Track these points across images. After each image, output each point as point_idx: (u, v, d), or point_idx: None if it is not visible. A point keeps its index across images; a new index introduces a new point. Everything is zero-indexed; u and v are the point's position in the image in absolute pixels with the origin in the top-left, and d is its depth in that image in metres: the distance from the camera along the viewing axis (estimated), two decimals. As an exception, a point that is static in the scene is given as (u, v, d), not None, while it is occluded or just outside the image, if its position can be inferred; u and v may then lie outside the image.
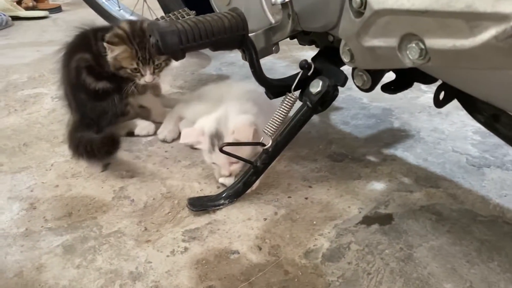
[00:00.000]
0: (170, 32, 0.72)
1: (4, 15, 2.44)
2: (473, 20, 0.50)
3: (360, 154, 1.13)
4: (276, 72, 1.70)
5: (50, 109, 1.43)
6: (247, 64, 0.87)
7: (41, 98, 1.51)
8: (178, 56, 0.75)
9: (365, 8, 0.64)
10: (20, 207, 0.97)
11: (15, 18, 2.55)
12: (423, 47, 0.58)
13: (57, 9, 2.79)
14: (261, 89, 1.17)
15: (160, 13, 1.72)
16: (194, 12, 1.03)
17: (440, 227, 0.87)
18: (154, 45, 0.74)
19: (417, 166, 1.08)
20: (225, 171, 0.98)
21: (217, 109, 1.04)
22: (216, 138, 0.96)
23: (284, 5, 0.75)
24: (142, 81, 1.18)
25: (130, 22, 1.19)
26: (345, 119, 1.32)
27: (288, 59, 1.86)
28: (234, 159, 0.95)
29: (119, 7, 1.99)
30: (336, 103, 1.34)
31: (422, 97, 1.44)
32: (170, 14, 1.02)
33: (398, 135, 1.22)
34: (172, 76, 1.69)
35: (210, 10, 1.09)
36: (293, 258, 0.81)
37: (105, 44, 1.12)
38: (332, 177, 1.05)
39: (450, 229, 0.87)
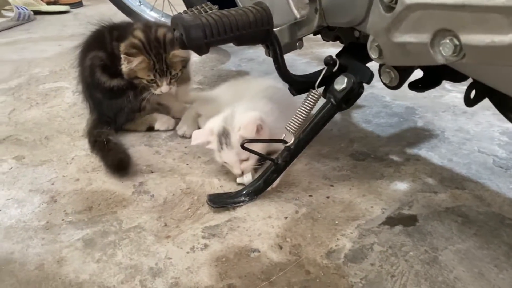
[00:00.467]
0: (195, 26, 0.71)
1: (27, 9, 2.47)
2: (515, 14, 0.48)
3: (382, 153, 1.11)
4: (296, 69, 1.68)
5: (71, 103, 1.43)
6: (266, 60, 0.86)
7: (62, 92, 1.52)
8: (202, 50, 0.74)
9: (396, 2, 0.62)
10: (41, 200, 0.97)
11: (37, 12, 2.58)
12: (457, 43, 0.56)
13: (78, 4, 2.81)
14: (280, 85, 1.16)
15: (180, 7, 1.72)
16: (216, 6, 1.02)
17: (467, 230, 0.85)
18: (178, 39, 0.73)
19: (441, 167, 1.05)
20: (237, 170, 0.97)
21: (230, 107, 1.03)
22: (223, 136, 0.95)
23: (311, 0, 0.74)
24: (157, 91, 1.16)
25: (144, 30, 1.16)
26: (367, 117, 1.30)
27: (308, 55, 1.84)
28: (244, 157, 0.94)
29: (140, 2, 1.99)
30: (358, 100, 1.31)
31: (447, 95, 1.41)
32: (192, 9, 1.01)
33: (422, 135, 1.20)
34: (192, 71, 1.68)
35: (233, 4, 1.07)
36: (315, 258, 0.80)
37: (122, 56, 1.10)
38: (354, 176, 1.03)
39: (477, 232, 0.84)
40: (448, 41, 0.57)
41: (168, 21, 1.95)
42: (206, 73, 1.68)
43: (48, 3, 2.69)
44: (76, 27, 2.33)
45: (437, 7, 0.56)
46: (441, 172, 1.03)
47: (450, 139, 1.16)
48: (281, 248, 0.82)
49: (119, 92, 1.18)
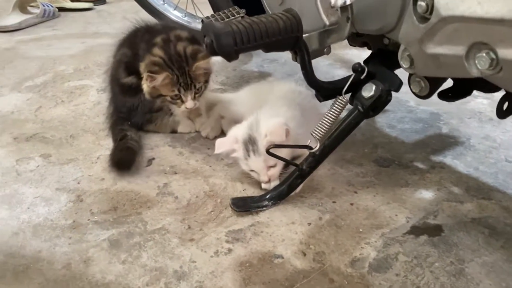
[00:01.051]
0: (226, 33, 0.71)
1: (52, 6, 2.50)
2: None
3: (407, 160, 1.10)
4: (318, 71, 1.66)
5: (96, 101, 1.45)
6: (288, 61, 0.86)
7: (86, 90, 1.54)
8: (232, 57, 0.74)
9: (431, 13, 0.61)
10: (68, 199, 0.99)
11: (61, 9, 2.61)
12: (494, 57, 0.55)
13: (102, 1, 2.83)
14: (302, 88, 1.16)
15: (203, 7, 1.73)
16: (244, 10, 1.02)
17: (494, 242, 0.84)
18: (208, 46, 0.74)
19: (467, 175, 1.03)
20: (264, 177, 0.97)
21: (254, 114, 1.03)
22: (250, 143, 0.95)
23: (343, 8, 0.73)
24: (182, 107, 1.14)
25: (163, 46, 1.13)
26: (391, 122, 1.29)
27: (331, 57, 1.83)
28: (272, 163, 0.94)
29: (163, 1, 1.99)
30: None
31: (472, 102, 1.39)
32: (220, 13, 1.02)
33: (447, 142, 1.18)
34: (214, 72, 1.68)
35: (259, 7, 1.07)
36: (339, 266, 0.79)
37: (144, 75, 1.08)
38: (379, 183, 1.02)
39: (504, 245, 0.83)
40: (484, 54, 0.56)
41: (191, 21, 1.96)
42: (229, 74, 1.68)
43: (72, 0, 2.72)
44: (99, 24, 2.36)
45: (474, 20, 0.55)
46: (467, 181, 1.01)
47: (476, 147, 1.15)
48: (304, 255, 0.82)
49: (132, 91, 1.18)
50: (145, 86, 1.10)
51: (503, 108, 0.78)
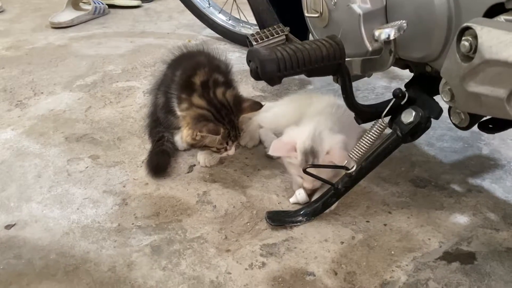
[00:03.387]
0: (270, 60, 0.74)
1: (102, 3, 2.60)
2: None
3: (444, 182, 1.10)
4: (359, 82, 1.67)
5: (142, 104, 1.51)
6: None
7: (133, 92, 1.61)
8: (275, 82, 0.77)
9: (474, 53, 0.62)
10: (114, 202, 1.05)
11: (111, 6, 2.71)
12: (535, 103, 0.55)
13: (149, -1, 2.91)
14: (342, 102, 1.17)
15: (247, 10, 1.75)
16: (288, 28, 1.05)
17: (528, 275, 0.83)
18: (252, 71, 0.77)
19: (505, 201, 1.03)
20: (309, 185, 1.00)
21: (304, 123, 1.05)
22: (311, 155, 0.97)
23: (386, 42, 0.75)
24: (224, 154, 1.12)
25: (203, 95, 1.08)
26: (430, 140, 1.28)
27: (372, 67, 1.82)
28: (325, 176, 0.96)
29: (209, 4, 2.04)
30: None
31: (517, 122, 1.36)
32: (265, 30, 1.04)
33: (487, 164, 1.17)
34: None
35: (303, 24, 1.09)
36: (369, 288, 0.82)
37: (200, 134, 1.03)
38: (414, 204, 1.03)
39: (539, 278, 0.83)
40: (526, 100, 0.56)
41: (235, 24, 2.00)
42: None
43: (121, -3, 2.81)
44: (147, 23, 2.43)
45: (517, 67, 0.55)
46: (504, 208, 1.01)
47: (517, 172, 1.13)
48: (336, 274, 0.85)
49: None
50: (189, 138, 1.07)
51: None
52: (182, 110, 1.10)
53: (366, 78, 1.63)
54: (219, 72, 1.14)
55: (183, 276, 0.85)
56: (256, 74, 0.76)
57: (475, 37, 0.61)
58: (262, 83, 1.69)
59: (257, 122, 1.29)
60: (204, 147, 1.10)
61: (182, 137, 1.11)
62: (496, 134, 1.29)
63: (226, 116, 1.07)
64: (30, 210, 1.02)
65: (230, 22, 2.02)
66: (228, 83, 1.16)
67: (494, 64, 0.58)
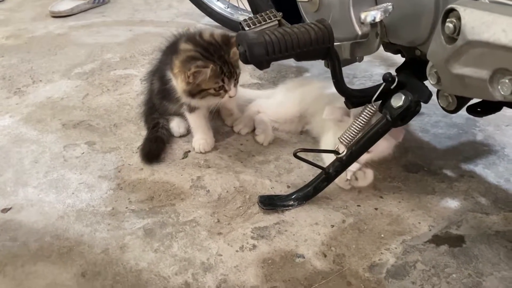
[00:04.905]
0: (258, 43, 0.75)
1: (102, -8, 2.60)
2: None
3: (436, 167, 1.10)
4: (357, 69, 1.68)
5: (139, 91, 1.52)
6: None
7: (131, 80, 1.61)
8: (264, 66, 0.78)
9: (458, 34, 0.62)
10: (109, 187, 1.06)
11: (111, -5, 2.71)
12: (517, 84, 0.56)
13: (149, -13, 2.90)
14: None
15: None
16: (280, 13, 1.05)
17: (515, 257, 0.84)
18: (241, 54, 0.77)
19: (497, 186, 1.03)
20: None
21: None
22: None
23: (373, 24, 0.75)
24: (226, 97, 1.10)
25: (190, 40, 1.09)
26: (425, 126, 1.28)
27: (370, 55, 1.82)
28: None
29: (213, -5, 2.04)
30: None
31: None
32: (257, 16, 1.05)
33: (480, 149, 1.17)
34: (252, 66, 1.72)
35: (297, 10, 1.09)
36: (357, 270, 0.83)
37: (190, 73, 1.01)
38: (405, 188, 1.04)
39: (526, 261, 0.83)
40: (507, 81, 0.57)
41: (233, 12, 1.99)
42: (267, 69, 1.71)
43: (122, -14, 2.80)
44: (146, 12, 2.43)
45: (498, 47, 0.56)
46: (495, 192, 1.01)
47: (510, 157, 1.13)
48: (325, 256, 0.86)
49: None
50: (184, 84, 1.05)
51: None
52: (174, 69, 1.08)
53: (363, 65, 1.64)
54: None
55: (175, 258, 0.86)
56: (245, 58, 0.76)
57: (459, 18, 0.61)
58: (259, 71, 1.69)
59: (255, 109, 1.29)
60: (202, 92, 1.07)
61: (178, 88, 1.09)
62: (491, 120, 1.29)
63: (215, 52, 1.05)
64: (26, 194, 1.04)
65: (228, 10, 2.01)
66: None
67: (476, 45, 0.59)
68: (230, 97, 1.10)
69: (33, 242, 0.90)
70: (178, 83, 1.07)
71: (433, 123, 1.30)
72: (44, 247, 0.89)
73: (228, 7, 2.02)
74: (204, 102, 1.12)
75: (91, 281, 0.82)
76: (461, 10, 0.61)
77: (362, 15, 0.73)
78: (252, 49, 0.75)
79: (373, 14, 0.72)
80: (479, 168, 1.10)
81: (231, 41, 1.08)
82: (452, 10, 0.62)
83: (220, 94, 1.08)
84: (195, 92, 1.07)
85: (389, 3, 0.73)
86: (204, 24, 2.17)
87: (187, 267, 0.84)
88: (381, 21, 0.73)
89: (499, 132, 1.24)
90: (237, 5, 2.00)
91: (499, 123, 1.28)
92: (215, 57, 1.05)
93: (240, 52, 0.77)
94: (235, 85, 1.10)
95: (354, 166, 0.98)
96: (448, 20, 0.63)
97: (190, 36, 1.11)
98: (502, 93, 0.58)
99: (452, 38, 0.64)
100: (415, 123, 1.30)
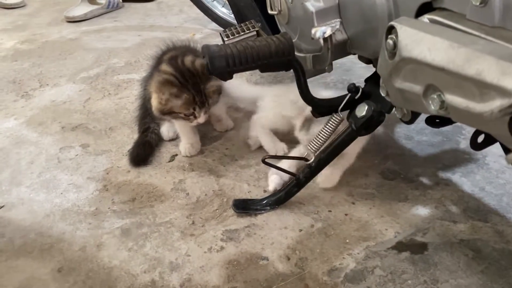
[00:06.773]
0: (219, 56, 0.79)
1: (116, -3, 2.69)
2: (483, 87, 0.50)
3: (413, 174, 1.12)
4: (354, 74, 1.69)
5: (138, 95, 1.58)
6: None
7: (132, 84, 1.68)
8: (226, 77, 0.82)
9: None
10: (95, 188, 1.13)
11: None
12: (443, 99, 0.58)
13: (164, -8, 2.98)
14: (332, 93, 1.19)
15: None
16: (259, 24, 1.09)
17: (475, 266, 0.86)
18: (206, 66, 0.82)
19: (470, 195, 1.04)
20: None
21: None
22: None
23: (325, 39, 0.78)
24: (194, 123, 1.14)
25: (171, 62, 1.11)
26: (410, 133, 1.30)
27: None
28: None
29: (213, -2, 2.09)
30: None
31: (502, 116, 1.35)
32: (236, 26, 1.09)
33: (461, 158, 1.18)
34: (249, 72, 1.75)
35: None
36: (317, 273, 0.86)
37: (164, 97, 1.07)
38: (378, 195, 1.06)
39: (485, 270, 0.85)
40: (435, 96, 0.59)
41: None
42: (263, 73, 1.75)
43: (136, -9, 2.89)
44: (157, 17, 2.50)
45: (424, 64, 0.58)
46: (468, 201, 1.02)
47: (489, 166, 1.14)
48: (288, 259, 0.90)
49: None
50: (156, 103, 1.10)
51: (478, 141, 0.79)
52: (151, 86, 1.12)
53: (360, 71, 1.66)
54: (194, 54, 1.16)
55: (146, 257, 0.92)
56: (208, 69, 0.81)
57: (397, 35, 0.64)
58: (256, 77, 1.73)
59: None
60: (173, 114, 1.11)
61: (152, 103, 1.13)
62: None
63: (191, 80, 1.07)
64: (18, 193, 1.11)
65: (232, 15, 2.06)
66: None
67: (409, 61, 0.61)
68: (199, 123, 1.14)
69: (19, 239, 0.97)
70: (152, 100, 1.12)
71: (419, 130, 1.31)
72: (27, 243, 0.96)
73: (231, 13, 2.07)
74: (175, 121, 1.18)
75: (66, 276, 0.88)
76: (398, 27, 0.63)
77: (313, 31, 0.77)
78: (214, 61, 0.79)
79: (323, 30, 0.75)
80: (456, 176, 1.10)
81: None
82: (392, 27, 0.65)
83: (189, 119, 1.12)
84: (166, 112, 1.11)
85: (338, 20, 0.75)
86: (210, 29, 2.22)
87: (155, 266, 0.89)
88: (330, 37, 0.76)
89: (483, 140, 1.24)
90: (240, 11, 2.04)
91: (485, 131, 1.28)
92: (190, 84, 1.07)
93: (205, 63, 0.81)
94: (206, 113, 1.13)
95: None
96: (389, 36, 0.66)
97: (172, 57, 1.14)
98: (433, 108, 0.60)
99: (393, 53, 0.66)
100: (400, 130, 1.31)
